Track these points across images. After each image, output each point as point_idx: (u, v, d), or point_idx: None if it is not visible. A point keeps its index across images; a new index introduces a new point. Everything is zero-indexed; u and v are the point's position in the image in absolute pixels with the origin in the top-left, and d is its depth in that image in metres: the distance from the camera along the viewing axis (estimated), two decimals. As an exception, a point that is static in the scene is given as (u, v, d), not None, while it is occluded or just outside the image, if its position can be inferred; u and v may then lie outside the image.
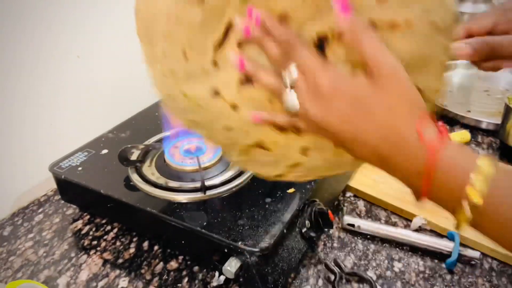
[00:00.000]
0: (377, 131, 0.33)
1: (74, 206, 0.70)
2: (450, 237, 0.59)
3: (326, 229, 0.57)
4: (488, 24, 0.47)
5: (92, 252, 0.61)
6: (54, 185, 0.72)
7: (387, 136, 0.33)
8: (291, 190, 0.57)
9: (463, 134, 0.79)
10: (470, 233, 0.59)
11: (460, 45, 0.45)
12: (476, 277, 0.55)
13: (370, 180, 0.71)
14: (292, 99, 0.35)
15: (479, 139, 0.82)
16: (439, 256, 0.58)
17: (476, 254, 0.56)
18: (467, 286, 0.54)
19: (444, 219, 0.62)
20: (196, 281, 0.56)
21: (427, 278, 0.55)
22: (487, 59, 0.46)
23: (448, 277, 0.55)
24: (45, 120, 0.72)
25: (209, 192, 0.57)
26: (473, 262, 0.57)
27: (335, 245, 0.61)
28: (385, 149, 0.33)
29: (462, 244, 0.57)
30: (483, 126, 0.84)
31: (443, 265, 0.56)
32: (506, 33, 0.46)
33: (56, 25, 0.69)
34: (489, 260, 0.57)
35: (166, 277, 0.57)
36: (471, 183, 0.30)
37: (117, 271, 0.58)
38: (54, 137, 0.74)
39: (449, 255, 0.56)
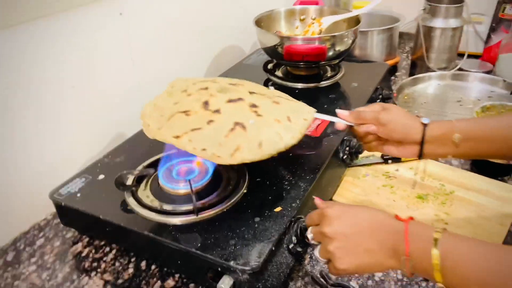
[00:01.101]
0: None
1: (73, 229, 0.73)
2: (425, 246, 0.64)
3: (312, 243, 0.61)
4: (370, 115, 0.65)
5: (93, 273, 0.65)
6: (52, 209, 0.75)
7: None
8: (278, 209, 0.62)
9: (436, 147, 0.84)
10: (443, 242, 0.64)
11: (342, 111, 0.68)
12: (449, 282, 0.60)
13: (351, 193, 0.76)
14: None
15: (452, 150, 0.88)
16: (416, 264, 0.63)
17: (448, 261, 0.61)
18: (441, 291, 0.59)
19: (419, 229, 0.67)
20: (193, 298, 0.60)
21: (404, 285, 0.60)
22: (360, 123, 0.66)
23: (424, 284, 0.60)
24: (43, 147, 0.75)
25: (201, 214, 0.61)
26: (446, 269, 0.62)
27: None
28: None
29: (435, 253, 0.63)
30: (456, 136, 0.90)
31: (419, 273, 0.61)
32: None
33: (53, 58, 0.73)
34: (461, 266, 0.62)
35: (164, 295, 0.61)
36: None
37: (118, 291, 0.62)
38: (51, 163, 0.77)
39: (424, 263, 0.61)
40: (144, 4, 0.88)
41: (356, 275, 0.61)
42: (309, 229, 0.55)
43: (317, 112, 0.69)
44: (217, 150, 0.57)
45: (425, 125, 0.61)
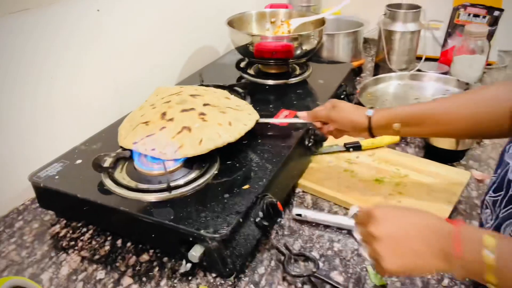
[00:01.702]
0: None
1: (51, 213, 0.76)
2: (380, 220, 0.70)
3: (276, 218, 0.67)
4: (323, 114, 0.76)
5: (70, 251, 0.68)
6: (31, 195, 0.79)
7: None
8: (246, 187, 0.67)
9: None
10: (395, 216, 0.71)
11: (302, 113, 0.79)
12: (400, 251, 0.66)
13: (316, 177, 0.82)
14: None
15: (408, 140, 0.95)
16: (371, 236, 0.69)
17: (399, 232, 0.68)
18: (393, 258, 0.65)
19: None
20: (166, 269, 0.64)
21: (360, 254, 0.66)
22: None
23: (378, 252, 0.66)
24: (22, 135, 0.79)
25: (174, 192, 0.66)
26: (398, 240, 0.68)
27: (285, 232, 0.71)
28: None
29: (389, 225, 0.69)
30: (413, 128, 0.98)
31: (374, 243, 0.67)
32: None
33: (31, 49, 0.77)
34: (411, 237, 0.69)
35: (139, 268, 0.65)
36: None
37: (95, 266, 0.65)
38: (30, 150, 0.80)
39: (378, 235, 0.67)
40: (121, 2, 0.93)
41: (404, 276, 0.62)
42: (357, 229, 0.55)
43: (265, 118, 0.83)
44: (163, 149, 0.69)
45: (369, 117, 0.70)
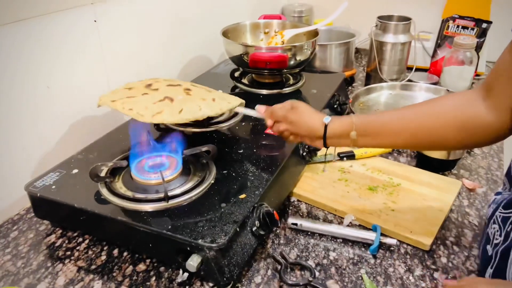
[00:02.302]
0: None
1: (46, 222, 0.76)
2: (374, 229, 0.71)
3: (273, 227, 0.67)
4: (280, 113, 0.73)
5: (66, 261, 0.68)
6: (26, 204, 0.78)
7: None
8: (242, 196, 0.68)
9: (385, 145, 0.93)
10: (389, 225, 0.72)
11: (261, 106, 0.77)
12: (394, 259, 0.67)
13: (310, 187, 0.83)
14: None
15: (401, 149, 0.97)
16: (365, 245, 0.70)
17: (393, 241, 0.69)
18: (387, 267, 0.66)
19: (369, 215, 0.75)
20: (163, 279, 0.65)
21: (355, 263, 0.67)
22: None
23: (372, 261, 0.67)
24: (17, 145, 0.79)
25: (171, 201, 0.67)
26: (392, 248, 0.69)
27: (281, 241, 0.72)
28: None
29: (383, 234, 0.70)
30: (404, 138, 0.99)
31: (368, 252, 0.69)
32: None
33: (27, 59, 0.77)
34: (405, 246, 0.70)
35: (136, 277, 0.65)
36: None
37: (91, 276, 0.65)
38: (25, 161, 0.80)
39: (372, 243, 0.69)
40: (117, 13, 0.94)
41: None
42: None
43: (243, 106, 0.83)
44: (141, 110, 0.68)
45: (325, 125, 0.68)
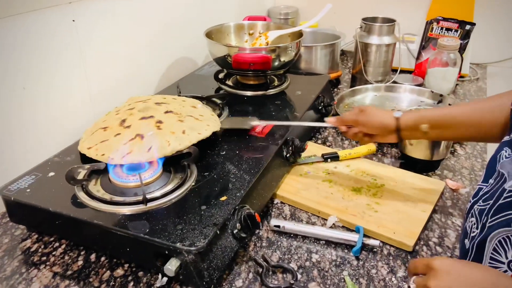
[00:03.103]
0: None
1: (22, 227, 0.74)
2: (357, 230, 0.71)
3: (254, 230, 0.66)
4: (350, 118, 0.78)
5: (42, 266, 0.66)
6: (1, 209, 0.76)
7: None
8: (223, 198, 0.67)
9: (369, 146, 0.93)
10: (372, 226, 0.71)
11: (330, 118, 0.81)
12: (377, 261, 0.67)
13: (294, 188, 0.82)
14: None
15: (385, 150, 0.97)
16: (348, 246, 0.69)
17: (376, 242, 0.68)
18: (370, 269, 0.65)
19: (352, 216, 0.74)
20: (141, 284, 0.63)
21: (338, 265, 0.66)
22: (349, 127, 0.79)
23: (355, 262, 0.66)
24: (-9, 148, 0.76)
25: (150, 204, 0.65)
26: (375, 249, 0.69)
27: (264, 244, 0.70)
28: None
29: (366, 235, 0.70)
30: (389, 139, 0.99)
31: (351, 254, 0.68)
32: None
33: (3, 59, 0.75)
34: (388, 247, 0.69)
35: (113, 283, 0.63)
36: None
37: (67, 282, 0.63)
38: (2, 163, 0.78)
39: (355, 245, 0.68)
40: (97, 13, 0.92)
41: None
42: (412, 278, 0.50)
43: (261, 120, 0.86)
44: (111, 154, 0.70)
45: (397, 118, 0.72)
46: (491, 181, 0.58)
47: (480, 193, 0.59)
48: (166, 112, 0.79)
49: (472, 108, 0.69)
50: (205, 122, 0.80)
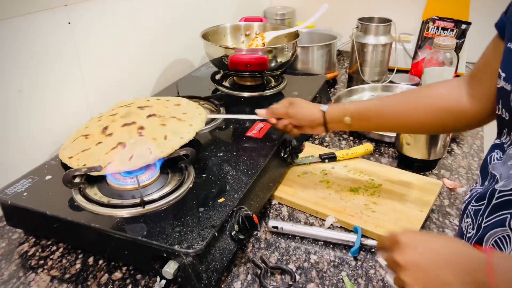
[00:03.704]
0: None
1: (19, 231, 0.74)
2: (355, 230, 0.71)
3: (252, 231, 0.66)
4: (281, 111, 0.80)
5: (39, 270, 0.66)
6: (-2, 213, 0.76)
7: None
8: (221, 200, 0.67)
9: (366, 146, 0.93)
10: (370, 226, 0.71)
11: (261, 110, 0.82)
12: (375, 261, 0.67)
13: (291, 189, 0.82)
14: None
15: (382, 150, 0.97)
16: (347, 247, 0.69)
17: (374, 242, 0.68)
18: (368, 269, 0.65)
19: (350, 217, 0.74)
20: (139, 287, 0.63)
21: (336, 265, 0.66)
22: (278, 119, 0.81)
23: (353, 263, 0.66)
24: (-13, 151, 0.76)
25: (148, 207, 0.65)
26: (373, 250, 0.69)
27: (262, 245, 0.70)
28: None
29: (364, 236, 0.70)
30: (386, 139, 1.00)
31: (349, 254, 0.68)
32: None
33: (0, 62, 0.75)
34: (386, 247, 0.69)
35: (112, 286, 0.63)
36: None
37: (65, 285, 0.63)
38: (-3, 167, 0.78)
39: (354, 245, 0.68)
40: (93, 16, 0.92)
41: None
42: (381, 254, 0.52)
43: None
44: (93, 165, 0.69)
45: (323, 112, 0.75)
46: (486, 183, 0.58)
47: (473, 194, 0.59)
48: (149, 116, 0.78)
49: (397, 99, 0.72)
50: (188, 122, 0.79)
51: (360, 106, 0.74)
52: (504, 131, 0.57)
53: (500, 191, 0.52)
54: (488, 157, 0.59)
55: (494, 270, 0.42)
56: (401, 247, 0.47)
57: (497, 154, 0.57)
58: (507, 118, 0.54)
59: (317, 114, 0.76)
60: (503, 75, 0.53)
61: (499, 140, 0.58)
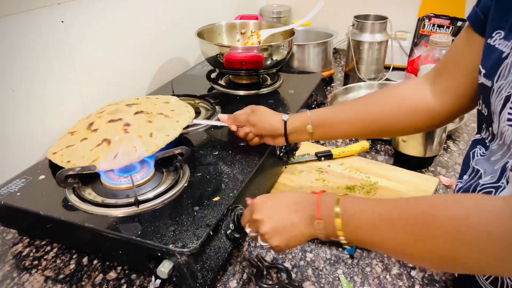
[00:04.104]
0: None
1: (13, 231, 0.73)
2: (351, 228, 0.70)
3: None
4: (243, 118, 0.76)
5: (33, 271, 0.65)
6: (-9, 213, 0.75)
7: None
8: (216, 198, 0.66)
9: (363, 144, 0.93)
10: (366, 224, 0.71)
11: (223, 115, 0.79)
12: (371, 259, 0.66)
13: (287, 187, 0.82)
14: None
15: (378, 148, 0.97)
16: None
17: (371, 240, 0.68)
18: (364, 266, 0.65)
19: (346, 215, 0.73)
20: (134, 287, 0.62)
21: (332, 263, 0.66)
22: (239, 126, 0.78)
23: (349, 261, 0.66)
24: (-20, 151, 0.75)
25: (142, 206, 0.64)
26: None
27: (257, 244, 0.70)
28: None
29: (360, 233, 0.69)
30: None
31: (345, 252, 0.67)
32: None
33: (-10, 61, 0.74)
34: (382, 244, 0.69)
35: (106, 286, 0.62)
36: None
37: (59, 286, 0.63)
38: (-10, 167, 0.77)
39: (350, 243, 0.67)
40: (87, 14, 0.91)
41: (289, 250, 0.67)
42: (246, 225, 0.60)
43: (196, 118, 0.85)
44: (78, 162, 0.68)
45: (285, 121, 0.72)
46: (465, 177, 0.58)
47: (456, 189, 0.59)
48: (136, 113, 0.78)
49: (360, 104, 0.70)
50: (175, 118, 0.78)
51: (321, 112, 0.71)
52: (483, 126, 0.57)
53: (483, 185, 0.52)
54: (470, 153, 0.59)
55: (320, 205, 0.51)
56: (256, 207, 0.56)
57: (480, 150, 0.57)
58: (485, 114, 0.54)
59: (278, 124, 0.72)
60: (483, 71, 0.53)
61: (479, 135, 0.59)
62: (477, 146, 0.58)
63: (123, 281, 0.63)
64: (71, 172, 0.68)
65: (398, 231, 0.45)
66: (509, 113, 0.47)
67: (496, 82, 0.50)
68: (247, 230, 0.59)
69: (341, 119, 0.69)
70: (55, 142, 0.82)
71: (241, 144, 0.82)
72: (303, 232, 0.53)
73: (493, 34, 0.53)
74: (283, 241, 0.54)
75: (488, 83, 0.52)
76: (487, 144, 0.56)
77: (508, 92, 0.48)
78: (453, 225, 0.41)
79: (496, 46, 0.52)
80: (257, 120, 0.74)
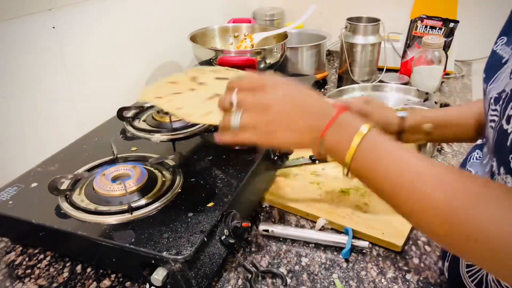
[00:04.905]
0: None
1: (6, 239, 0.72)
2: (346, 232, 0.70)
3: (243, 235, 0.65)
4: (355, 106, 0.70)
5: (26, 279, 0.65)
6: (-17, 222, 0.74)
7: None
8: (210, 204, 0.66)
9: (357, 147, 0.93)
10: (361, 227, 0.71)
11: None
12: (367, 262, 0.66)
13: (282, 191, 0.82)
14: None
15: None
16: (338, 249, 0.69)
17: (365, 244, 0.68)
18: (360, 270, 0.65)
19: (341, 218, 0.73)
20: (129, 295, 0.62)
21: (327, 267, 0.65)
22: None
23: (345, 265, 0.66)
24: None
25: (136, 213, 0.64)
26: (364, 251, 0.68)
27: (253, 249, 0.70)
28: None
29: (355, 237, 0.69)
30: (376, 138, 0.99)
31: (341, 256, 0.67)
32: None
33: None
34: (377, 248, 0.69)
35: (100, 294, 0.62)
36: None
37: (52, 295, 0.62)
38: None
39: (345, 247, 0.67)
40: (78, 19, 0.91)
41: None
42: (235, 93, 0.51)
43: None
44: (190, 110, 0.63)
45: (401, 118, 0.69)
46: None
47: None
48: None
49: (458, 110, 0.70)
50: None
51: (439, 113, 0.70)
52: (483, 130, 0.57)
53: None
54: (468, 156, 0.59)
55: (335, 122, 0.47)
56: (266, 87, 0.49)
57: (477, 154, 0.57)
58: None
59: (394, 119, 0.69)
60: (483, 75, 0.54)
61: (481, 140, 0.59)
62: (476, 151, 0.58)
63: (117, 289, 0.63)
64: (63, 180, 0.68)
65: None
66: (491, 115, 0.48)
67: (490, 85, 0.50)
68: (234, 99, 0.51)
69: (464, 121, 0.68)
70: (46, 148, 0.81)
71: (235, 148, 0.82)
72: (302, 141, 0.49)
73: (497, 40, 0.53)
74: (281, 141, 0.50)
75: (484, 86, 0.53)
76: (484, 148, 0.56)
77: (496, 95, 0.48)
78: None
79: (498, 51, 0.52)
80: (372, 110, 0.69)
